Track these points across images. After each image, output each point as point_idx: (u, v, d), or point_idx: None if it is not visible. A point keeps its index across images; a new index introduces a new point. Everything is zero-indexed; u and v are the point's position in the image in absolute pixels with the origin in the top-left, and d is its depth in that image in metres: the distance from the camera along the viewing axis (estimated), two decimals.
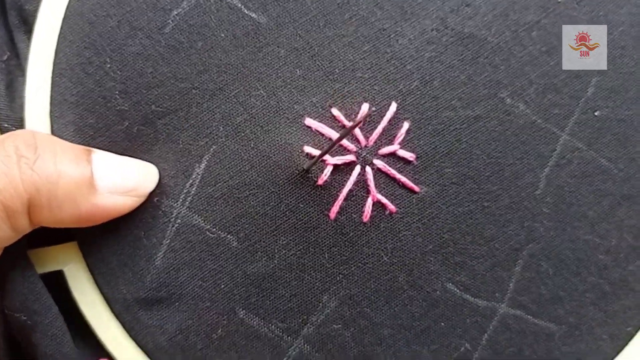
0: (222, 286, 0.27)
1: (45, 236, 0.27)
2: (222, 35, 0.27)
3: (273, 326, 0.27)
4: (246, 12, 0.27)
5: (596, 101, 0.28)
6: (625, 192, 0.28)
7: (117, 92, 0.27)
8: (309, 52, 0.27)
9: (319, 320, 0.27)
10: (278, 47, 0.27)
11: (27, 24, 0.28)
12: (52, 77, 0.27)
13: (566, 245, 0.28)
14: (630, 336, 0.29)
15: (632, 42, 0.28)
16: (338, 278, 0.27)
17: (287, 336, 0.27)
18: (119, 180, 0.26)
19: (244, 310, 0.27)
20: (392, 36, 0.27)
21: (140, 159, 0.27)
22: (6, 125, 0.27)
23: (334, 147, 0.26)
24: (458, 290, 0.27)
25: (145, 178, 0.26)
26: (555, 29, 0.28)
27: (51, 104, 0.27)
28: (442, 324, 0.28)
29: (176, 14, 0.27)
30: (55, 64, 0.27)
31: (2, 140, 0.24)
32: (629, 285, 0.28)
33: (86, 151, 0.26)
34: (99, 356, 0.28)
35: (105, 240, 0.27)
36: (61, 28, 0.27)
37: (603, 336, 0.28)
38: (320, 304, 0.27)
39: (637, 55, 0.28)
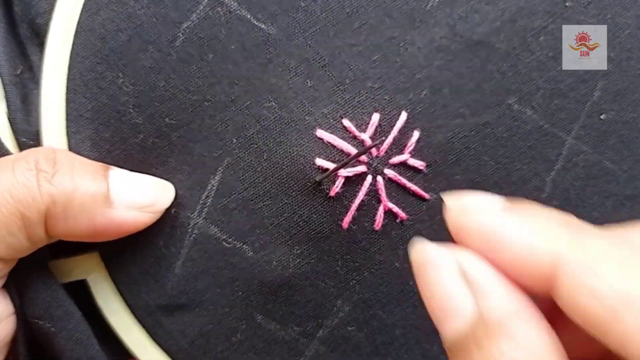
0: (240, 293, 0.28)
1: (69, 247, 0.28)
2: (232, 47, 0.27)
3: (290, 330, 0.28)
4: (255, 23, 0.27)
5: (602, 104, 0.28)
6: (628, 193, 0.29)
7: (130, 106, 0.27)
8: (319, 63, 0.27)
9: (333, 323, 0.28)
10: (288, 57, 0.27)
11: (39, 37, 0.28)
12: (67, 93, 0.27)
13: None
14: None
15: (638, 45, 0.29)
16: (351, 284, 0.28)
17: (304, 338, 0.28)
18: (135, 196, 0.26)
19: (261, 316, 0.28)
20: (401, 45, 0.27)
21: (155, 170, 0.28)
22: (24, 139, 0.28)
23: (345, 160, 0.27)
24: None
25: (162, 194, 0.27)
26: (561, 33, 0.28)
27: (67, 119, 0.27)
28: None
29: (186, 27, 0.27)
30: (69, 79, 0.27)
31: (25, 155, 0.26)
32: None
33: (103, 167, 0.26)
34: None
35: (126, 250, 0.28)
36: (73, 44, 0.27)
37: None
38: (335, 308, 0.28)
39: None
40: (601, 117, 0.29)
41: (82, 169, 0.26)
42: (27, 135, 0.28)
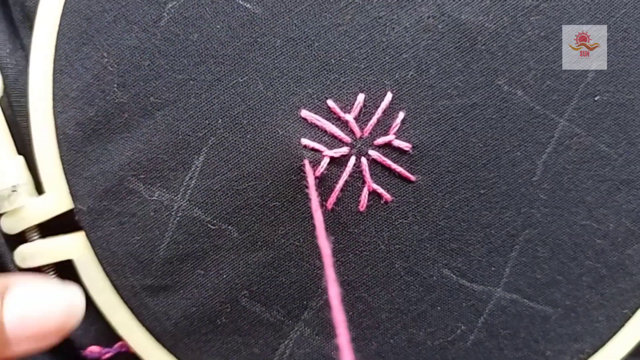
0: (224, 275, 0.28)
1: (56, 227, 0.28)
2: (218, 26, 0.27)
3: (275, 312, 0.28)
4: (241, 3, 0.27)
5: (596, 86, 0.28)
6: (624, 177, 0.28)
7: (115, 85, 0.27)
8: (305, 42, 0.27)
9: (318, 305, 0.28)
10: (274, 37, 0.27)
11: (30, 20, 0.29)
12: (53, 74, 0.27)
13: (563, 230, 0.28)
14: (627, 318, 0.29)
15: (635, 25, 0.28)
16: (336, 265, 0.28)
17: (288, 320, 0.28)
18: (36, 326, 0.22)
19: (246, 298, 0.28)
20: (387, 24, 0.27)
21: (140, 150, 0.28)
22: (19, 119, 0.29)
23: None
24: (454, 276, 0.28)
25: (68, 314, 0.23)
26: (555, 13, 0.27)
27: (54, 99, 0.28)
28: (439, 307, 0.28)
29: (171, 7, 0.27)
30: (55, 60, 0.27)
31: None
32: (626, 268, 0.29)
33: (2, 285, 0.23)
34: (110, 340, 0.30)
35: (110, 232, 0.28)
36: (59, 25, 0.27)
37: (599, 318, 0.29)
38: (319, 289, 0.28)
39: None
40: (595, 98, 0.28)
41: None
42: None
